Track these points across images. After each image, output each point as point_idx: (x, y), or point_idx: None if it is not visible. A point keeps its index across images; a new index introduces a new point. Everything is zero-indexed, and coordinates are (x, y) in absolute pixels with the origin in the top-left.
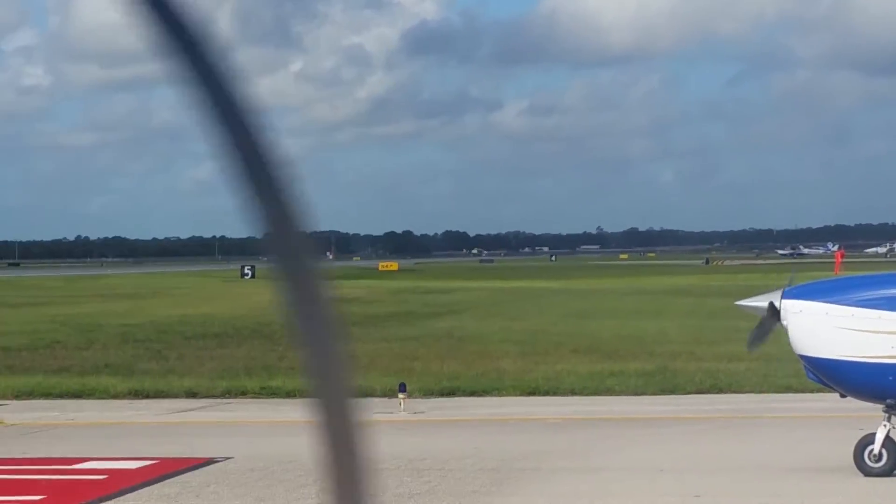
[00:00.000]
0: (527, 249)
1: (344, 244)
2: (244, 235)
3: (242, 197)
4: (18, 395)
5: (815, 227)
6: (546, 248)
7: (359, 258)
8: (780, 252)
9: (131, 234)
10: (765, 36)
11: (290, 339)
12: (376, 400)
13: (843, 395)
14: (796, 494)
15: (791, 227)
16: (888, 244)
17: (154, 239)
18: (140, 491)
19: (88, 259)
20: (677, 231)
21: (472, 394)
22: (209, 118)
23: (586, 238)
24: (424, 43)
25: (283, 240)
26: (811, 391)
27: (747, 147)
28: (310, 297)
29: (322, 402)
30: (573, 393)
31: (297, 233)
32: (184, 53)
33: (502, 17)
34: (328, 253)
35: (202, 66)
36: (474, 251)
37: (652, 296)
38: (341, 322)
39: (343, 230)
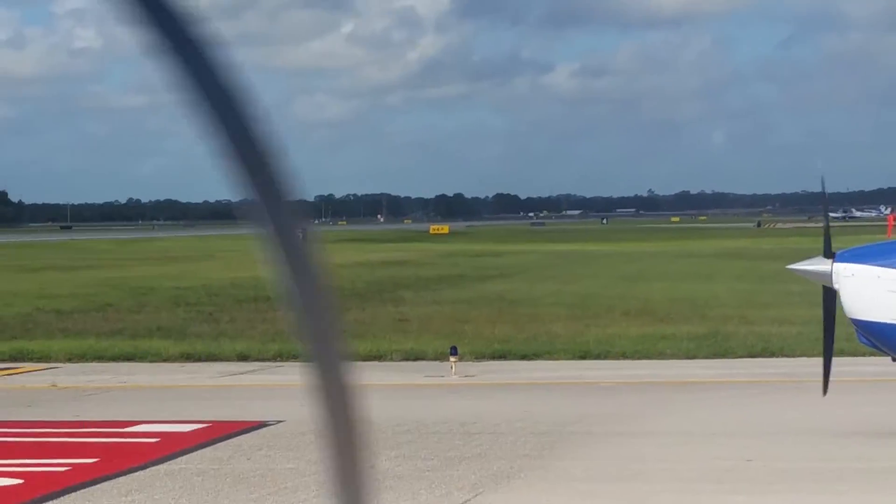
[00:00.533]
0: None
1: (395, 207)
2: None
3: (229, 165)
4: (71, 358)
5: (867, 189)
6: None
7: (410, 221)
8: (833, 215)
9: (183, 196)
10: None
11: (282, 305)
12: (427, 363)
13: (895, 359)
14: (848, 458)
15: (843, 189)
16: None
17: (205, 201)
18: (192, 454)
19: (140, 221)
20: (728, 194)
21: (523, 357)
22: (192, 90)
23: (636, 201)
24: (476, 4)
25: (270, 207)
26: (863, 355)
27: (799, 109)
28: (300, 262)
29: (316, 366)
30: (624, 356)
31: (284, 199)
32: (162, 24)
33: None
34: (379, 215)
35: (179, 36)
36: (531, 215)
37: (703, 259)
38: (332, 287)
39: (394, 193)
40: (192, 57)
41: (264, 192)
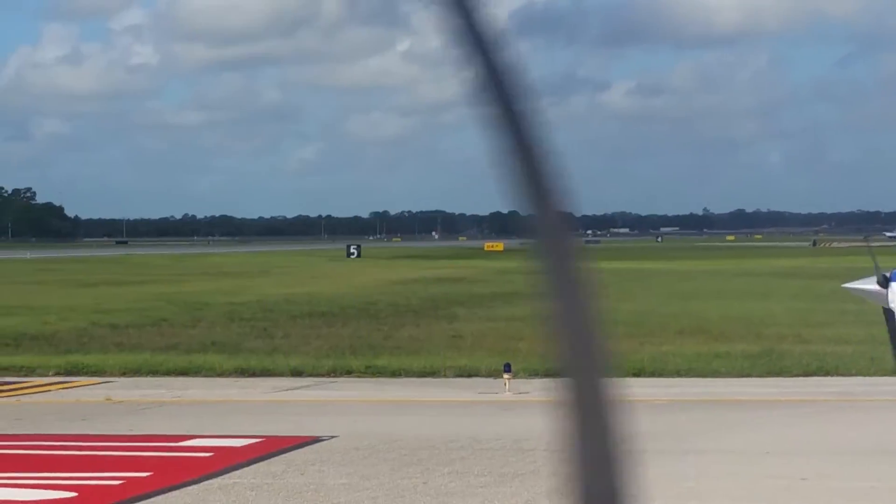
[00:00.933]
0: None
1: (450, 224)
2: (350, 215)
3: (506, 174)
4: (125, 373)
5: None
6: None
7: (464, 238)
8: (889, 234)
9: (238, 212)
10: (875, 15)
11: (544, 317)
12: (481, 379)
13: None
14: None
15: None
16: None
17: (260, 218)
18: (245, 468)
19: (195, 237)
20: (784, 212)
21: None
22: (481, 98)
23: (691, 219)
24: (532, 23)
25: (544, 218)
26: None
27: (855, 128)
28: (567, 277)
29: (573, 381)
30: (679, 374)
31: (558, 212)
32: (462, 31)
33: None
34: (434, 232)
35: (477, 43)
36: (588, 232)
37: (759, 277)
38: (598, 302)
39: (449, 210)
40: (491, 71)
41: (540, 204)
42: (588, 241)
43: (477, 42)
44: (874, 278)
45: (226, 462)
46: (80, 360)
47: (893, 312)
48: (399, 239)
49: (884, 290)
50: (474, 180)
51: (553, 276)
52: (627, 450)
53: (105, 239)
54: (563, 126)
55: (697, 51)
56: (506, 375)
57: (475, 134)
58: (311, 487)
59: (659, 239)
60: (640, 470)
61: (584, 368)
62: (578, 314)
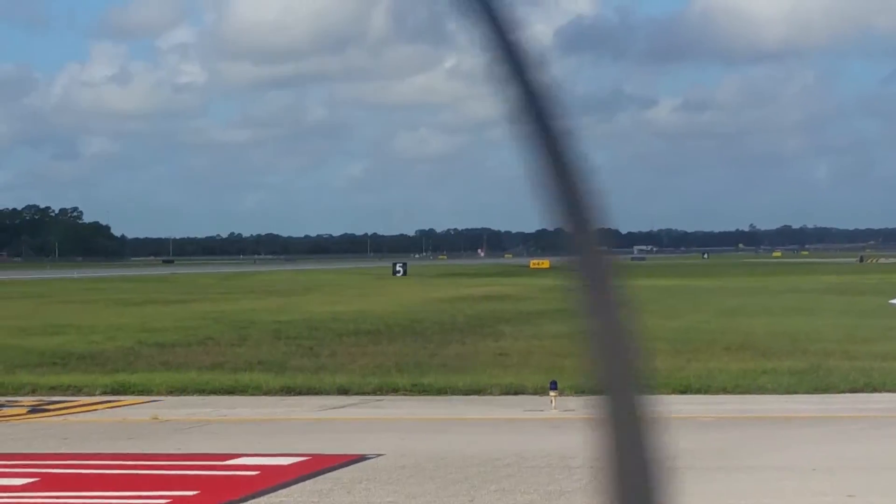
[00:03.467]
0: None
1: (495, 241)
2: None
3: (544, 192)
4: (172, 391)
5: None
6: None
7: (510, 255)
8: None
9: (284, 231)
10: None
11: (581, 335)
12: (527, 397)
13: None
14: None
15: None
16: None
17: (306, 236)
18: (292, 487)
19: (241, 256)
20: (831, 228)
21: None
22: (520, 116)
23: (737, 236)
24: (579, 40)
25: (581, 236)
26: None
27: None
28: (604, 294)
29: (610, 398)
30: (725, 391)
31: (594, 229)
32: (501, 51)
33: (656, 13)
34: (479, 250)
35: (515, 63)
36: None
37: (805, 294)
38: (635, 320)
39: (495, 227)
40: (529, 90)
41: (576, 222)
42: (634, 258)
43: (514, 61)
44: None
45: (273, 481)
46: (126, 379)
47: None
48: (445, 256)
49: None
50: (520, 197)
51: (590, 294)
52: (664, 467)
53: (151, 258)
54: (609, 143)
55: (744, 66)
56: (552, 393)
57: (520, 151)
58: None
59: (705, 255)
60: (679, 486)
61: (621, 386)
62: (615, 332)
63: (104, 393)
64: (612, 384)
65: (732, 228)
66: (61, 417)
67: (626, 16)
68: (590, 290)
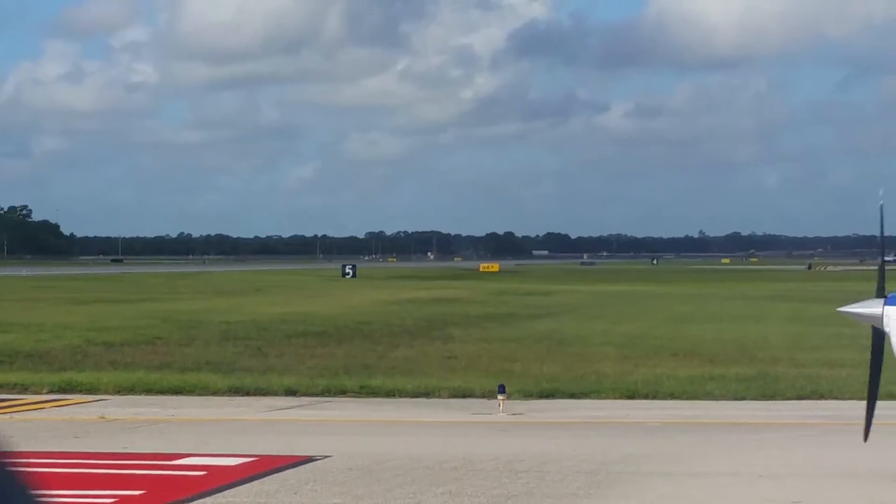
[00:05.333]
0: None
1: (445, 244)
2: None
3: None
4: (120, 391)
5: None
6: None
7: (460, 259)
8: (887, 259)
9: (233, 231)
10: (874, 38)
11: None
12: (475, 400)
13: None
14: None
15: None
16: None
17: (256, 237)
18: (239, 487)
19: (191, 256)
20: (780, 236)
21: (572, 396)
22: None
23: (687, 242)
24: (532, 44)
25: None
26: None
27: (853, 152)
28: None
29: None
30: (673, 397)
31: None
32: None
33: (610, 18)
34: (429, 253)
35: None
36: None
37: (753, 301)
38: None
39: (445, 231)
40: None
41: None
42: (583, 263)
43: None
44: (871, 300)
45: (219, 481)
46: (74, 377)
47: (884, 335)
48: (394, 259)
49: (878, 311)
50: (471, 201)
51: None
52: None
53: (100, 257)
54: (561, 147)
55: (697, 73)
56: (500, 396)
57: (472, 155)
58: None
59: (654, 261)
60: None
61: None
62: None
63: (51, 391)
64: None
65: (682, 234)
66: (7, 416)
67: (581, 21)
68: None
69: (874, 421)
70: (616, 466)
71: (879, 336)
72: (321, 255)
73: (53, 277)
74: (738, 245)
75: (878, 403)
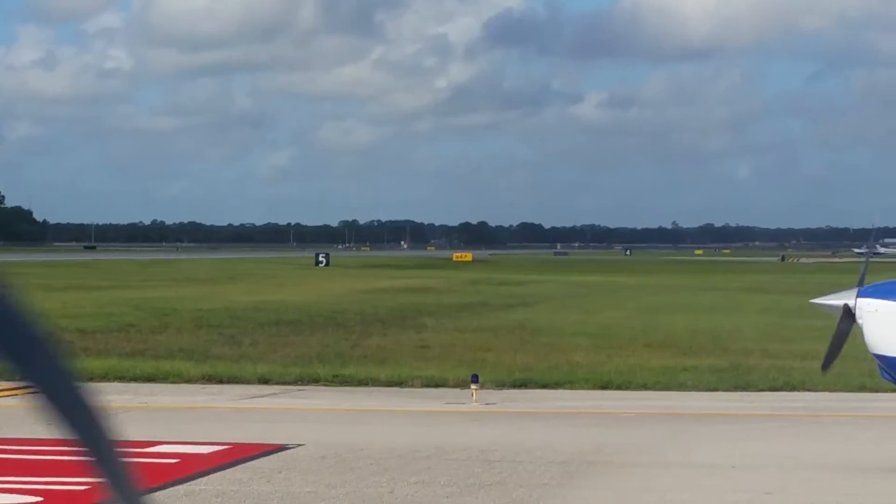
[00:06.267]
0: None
1: (419, 233)
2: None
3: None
4: (92, 378)
5: (893, 225)
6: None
7: (433, 248)
8: (857, 251)
9: (207, 219)
10: (847, 32)
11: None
12: (448, 390)
13: None
14: (869, 494)
15: (868, 225)
16: None
17: (229, 225)
18: (211, 475)
19: (164, 243)
20: (753, 227)
21: (545, 386)
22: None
23: (660, 233)
24: (507, 33)
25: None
26: (885, 391)
27: (826, 144)
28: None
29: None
30: (646, 387)
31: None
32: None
33: (585, 9)
34: (402, 242)
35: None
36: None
37: (726, 292)
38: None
39: (418, 220)
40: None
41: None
42: (556, 254)
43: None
44: (845, 291)
45: (192, 469)
46: None
47: (850, 323)
48: (368, 248)
49: (851, 303)
50: (445, 190)
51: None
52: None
53: (73, 243)
54: (534, 138)
55: (670, 63)
56: (473, 386)
57: (446, 144)
58: (277, 495)
59: (627, 252)
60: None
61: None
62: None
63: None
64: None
65: (655, 225)
66: None
67: (555, 11)
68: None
69: (845, 413)
70: (589, 457)
71: (846, 324)
72: (294, 244)
73: (26, 264)
74: (712, 236)
75: (850, 395)
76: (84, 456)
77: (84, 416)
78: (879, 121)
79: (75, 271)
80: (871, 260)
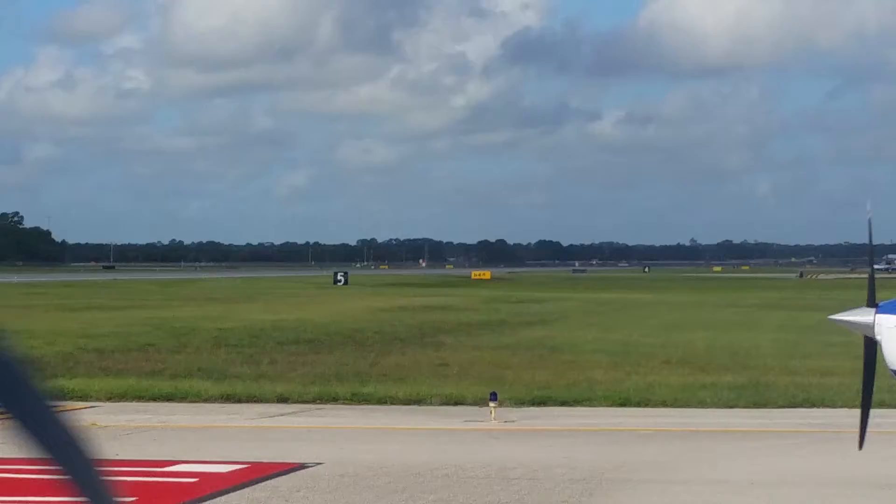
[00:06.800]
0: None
1: (437, 252)
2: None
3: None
4: (111, 398)
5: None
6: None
7: (452, 266)
8: (876, 266)
9: (225, 238)
10: (866, 48)
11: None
12: (467, 408)
13: None
14: None
15: (887, 241)
16: None
17: (248, 244)
18: (230, 495)
19: (182, 263)
20: (772, 244)
21: (563, 404)
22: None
23: (679, 250)
24: (525, 52)
25: None
26: None
27: (844, 160)
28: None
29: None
30: (664, 405)
31: None
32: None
33: (603, 27)
34: (421, 260)
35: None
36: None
37: (745, 309)
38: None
39: (437, 238)
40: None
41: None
42: (575, 271)
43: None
44: (863, 308)
45: (211, 488)
46: (65, 384)
47: (876, 343)
48: (386, 266)
49: (870, 319)
50: (463, 208)
51: None
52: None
53: (92, 264)
54: (552, 155)
55: (689, 81)
56: (492, 404)
57: (464, 162)
58: None
59: (646, 269)
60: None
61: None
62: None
63: None
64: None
65: (674, 242)
66: None
67: (574, 29)
68: None
69: (869, 430)
70: (608, 474)
71: (871, 345)
72: (313, 263)
73: (45, 284)
74: (730, 253)
75: (871, 412)
76: (62, 475)
77: (58, 436)
78: None
79: (94, 291)
80: (882, 277)
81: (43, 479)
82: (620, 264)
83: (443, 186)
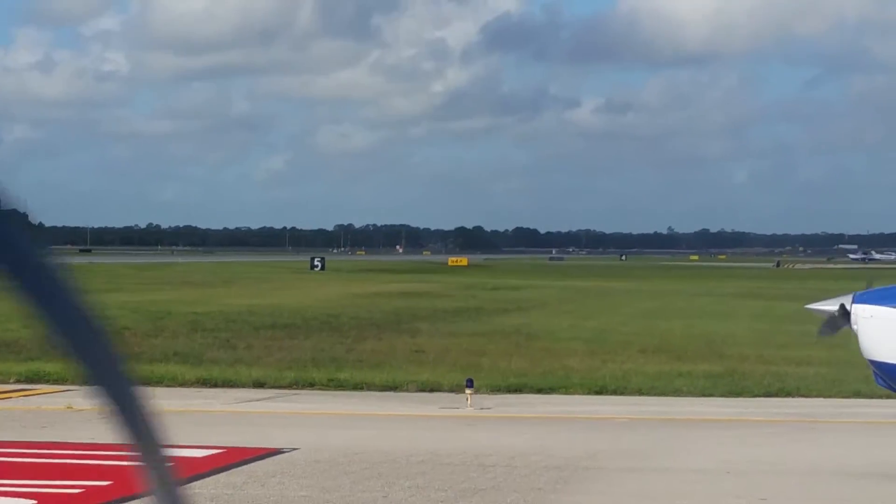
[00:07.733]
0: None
1: (414, 238)
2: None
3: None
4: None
5: (887, 232)
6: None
7: (429, 252)
8: (852, 257)
9: (202, 223)
10: (845, 38)
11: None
12: (443, 395)
13: None
14: (863, 499)
15: (863, 231)
16: None
17: (225, 228)
18: (206, 479)
19: (159, 247)
20: (748, 233)
21: (539, 391)
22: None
23: (656, 238)
24: (504, 38)
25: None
26: (880, 397)
27: (822, 149)
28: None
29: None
30: (640, 393)
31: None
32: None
33: (583, 13)
34: (398, 246)
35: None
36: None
37: (721, 298)
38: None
39: (414, 224)
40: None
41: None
42: (552, 258)
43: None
44: (838, 298)
45: (187, 473)
46: (42, 367)
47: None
48: (363, 252)
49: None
50: (440, 195)
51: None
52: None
53: (68, 247)
54: (530, 142)
55: (668, 68)
56: (468, 391)
57: (442, 148)
58: (272, 499)
59: (623, 257)
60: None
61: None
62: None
63: (18, 381)
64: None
65: (651, 231)
66: None
67: (553, 15)
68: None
69: (839, 419)
70: (583, 462)
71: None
72: (290, 248)
73: None
74: (707, 242)
75: (844, 401)
76: (134, 455)
77: (137, 417)
78: (876, 126)
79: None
80: (869, 266)
81: (54, 464)
82: (607, 252)
83: (421, 172)
